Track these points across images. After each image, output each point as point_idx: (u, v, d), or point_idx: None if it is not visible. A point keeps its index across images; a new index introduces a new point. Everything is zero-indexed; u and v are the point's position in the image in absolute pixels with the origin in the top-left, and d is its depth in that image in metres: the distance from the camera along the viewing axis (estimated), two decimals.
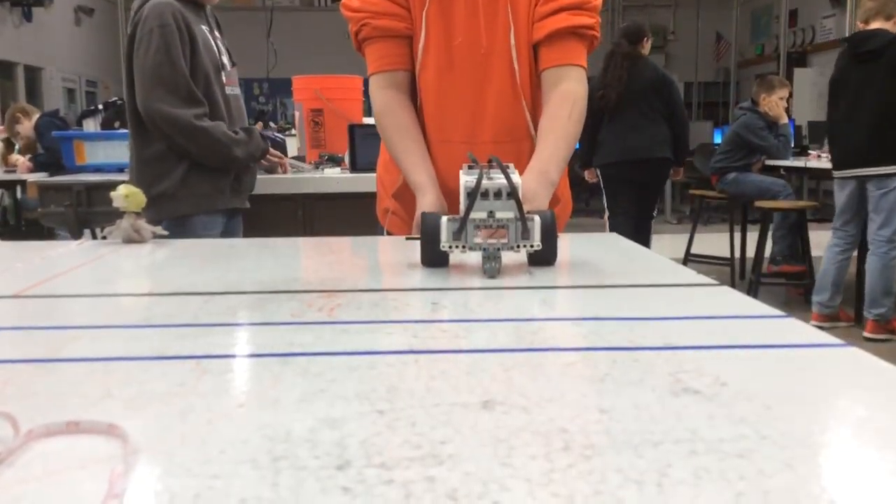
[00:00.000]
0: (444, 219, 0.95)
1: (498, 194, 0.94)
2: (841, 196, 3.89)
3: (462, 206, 0.95)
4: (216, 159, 2.08)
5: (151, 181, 2.09)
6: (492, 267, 0.93)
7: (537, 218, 0.96)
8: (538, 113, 1.40)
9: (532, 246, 0.95)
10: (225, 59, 2.17)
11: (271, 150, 2.34)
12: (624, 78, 4.29)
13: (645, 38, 4.50)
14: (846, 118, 3.73)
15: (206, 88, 2.07)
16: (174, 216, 2.11)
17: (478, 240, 0.94)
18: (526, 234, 0.94)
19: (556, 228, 0.99)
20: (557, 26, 1.35)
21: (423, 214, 0.99)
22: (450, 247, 0.95)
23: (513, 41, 1.37)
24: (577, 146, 1.47)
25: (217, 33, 2.20)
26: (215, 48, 2.12)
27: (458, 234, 0.94)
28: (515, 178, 0.95)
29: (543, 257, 0.99)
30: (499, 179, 0.95)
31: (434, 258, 0.99)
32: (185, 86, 2.01)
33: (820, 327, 3.71)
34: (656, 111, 4.34)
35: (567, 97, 1.35)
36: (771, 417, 0.48)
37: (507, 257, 0.99)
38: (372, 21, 1.38)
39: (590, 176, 4.65)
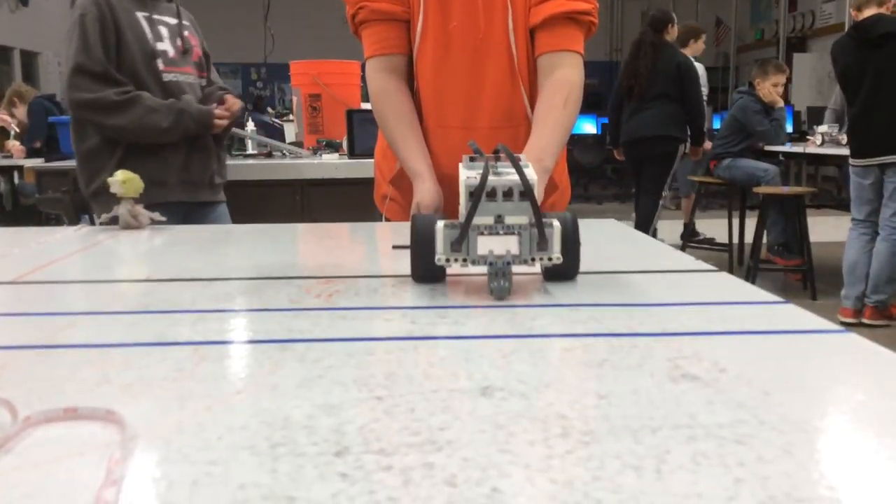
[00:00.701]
0: (441, 224, 0.77)
1: (508, 194, 0.77)
2: (863, 185, 3.79)
3: (462, 208, 0.78)
4: (146, 132, 2.02)
5: (88, 178, 2.09)
6: (500, 286, 0.76)
7: (557, 223, 0.79)
8: (535, 98, 1.39)
9: (551, 259, 0.78)
10: (166, 46, 2.11)
11: (217, 111, 2.14)
12: (649, 66, 4.62)
13: (670, 25, 4.81)
14: (867, 106, 3.69)
15: (134, 75, 2.03)
16: (108, 211, 2.08)
17: (483, 251, 0.77)
18: (543, 243, 0.77)
19: (579, 235, 0.82)
20: (554, 11, 1.34)
21: (415, 218, 0.81)
22: (447, 260, 0.77)
23: (511, 25, 1.36)
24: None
25: (168, 19, 2.15)
26: (149, 35, 2.07)
27: (457, 243, 0.77)
28: (530, 173, 0.78)
29: (563, 271, 0.82)
30: (508, 175, 0.78)
31: (427, 273, 0.82)
32: (102, 70, 1.99)
33: (853, 324, 3.72)
34: (667, 94, 4.60)
35: (563, 85, 1.35)
36: (769, 403, 0.48)
37: (519, 271, 0.82)
38: (370, 4, 1.37)
39: (618, 154, 4.97)
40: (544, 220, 0.78)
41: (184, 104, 2.07)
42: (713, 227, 5.69)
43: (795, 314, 0.70)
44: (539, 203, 0.78)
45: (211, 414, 0.47)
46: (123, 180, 1.24)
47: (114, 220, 1.27)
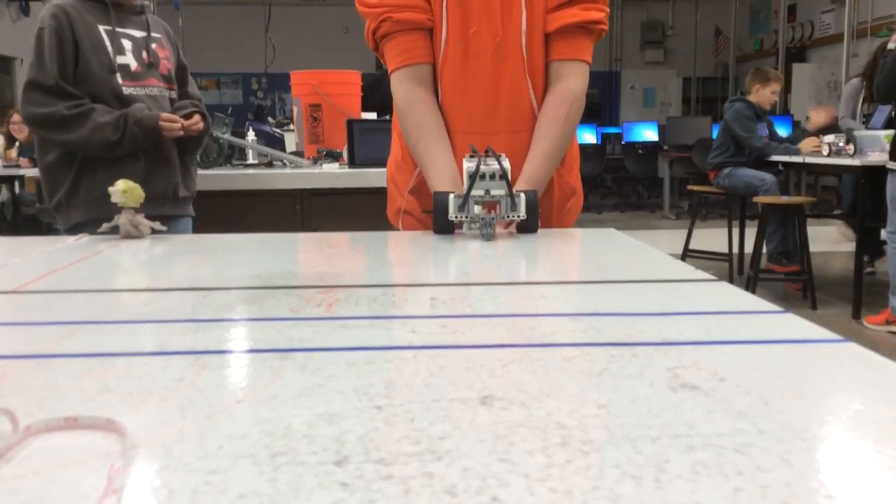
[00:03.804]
0: (452, 196, 1.21)
1: (493, 176, 1.19)
2: None
3: (465, 185, 1.18)
4: (97, 147, 2.01)
5: (50, 190, 2.08)
6: (488, 232, 1.18)
7: (523, 195, 1.21)
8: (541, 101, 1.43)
9: (518, 216, 1.21)
10: (128, 59, 2.10)
11: (164, 115, 2.09)
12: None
13: None
14: None
15: (92, 90, 2.03)
16: (70, 224, 2.06)
17: (477, 211, 1.19)
18: (514, 207, 1.20)
19: (538, 203, 1.25)
20: (568, 21, 1.37)
21: (435, 193, 1.23)
22: (456, 217, 1.20)
23: (524, 28, 1.37)
24: None
25: (134, 32, 2.14)
26: (109, 49, 2.06)
27: (462, 207, 1.19)
28: (506, 164, 1.20)
29: (528, 226, 1.25)
30: (494, 165, 1.19)
31: (444, 227, 1.24)
32: (54, 84, 1.98)
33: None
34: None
35: (566, 97, 1.38)
36: (769, 412, 0.48)
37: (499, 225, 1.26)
38: (393, 15, 1.37)
39: None
40: (514, 192, 1.20)
41: (129, 109, 2.05)
42: (712, 237, 5.69)
43: (795, 324, 0.70)
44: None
45: (211, 423, 0.47)
46: (124, 190, 1.24)
47: (114, 230, 1.27)
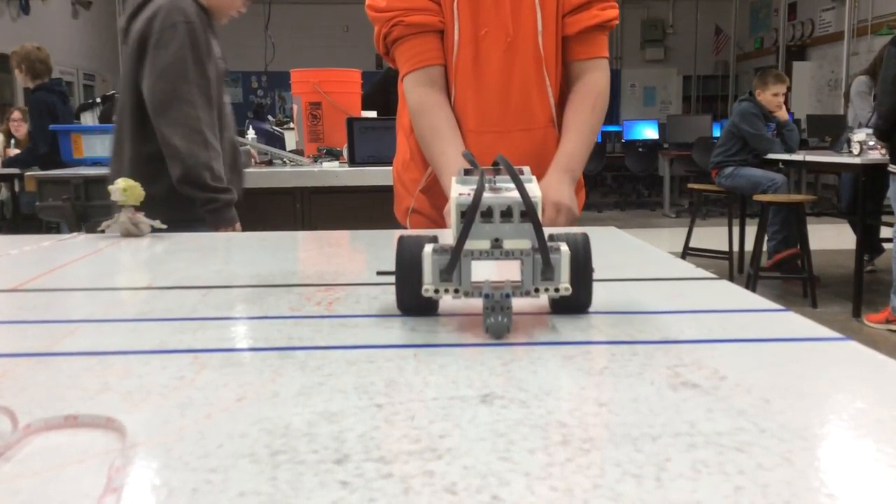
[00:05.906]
0: (429, 249, 0.64)
1: (507, 213, 0.64)
2: None
3: (453, 231, 0.64)
4: (190, 180, 1.95)
5: (145, 181, 2.05)
6: (498, 322, 0.62)
7: (565, 248, 0.65)
8: (563, 101, 1.44)
9: (557, 290, 0.65)
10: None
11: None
12: None
13: None
14: None
15: (216, 97, 2.02)
16: (165, 221, 2.04)
17: (478, 279, 0.65)
18: (548, 271, 0.64)
19: (591, 260, 0.69)
20: (590, 23, 1.40)
21: (401, 238, 0.68)
22: (436, 290, 0.65)
23: (540, 28, 1.38)
24: None
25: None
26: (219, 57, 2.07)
27: (448, 271, 0.64)
28: (532, 188, 0.64)
29: (576, 302, 0.70)
30: (508, 192, 0.64)
31: (414, 304, 0.69)
32: (206, 87, 1.94)
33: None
34: None
35: (592, 89, 1.40)
36: (770, 411, 0.48)
37: (521, 303, 0.74)
38: (405, 18, 1.37)
39: None
40: (551, 244, 0.65)
41: (226, 198, 2.03)
42: (713, 235, 5.70)
43: (796, 322, 0.70)
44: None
45: (211, 422, 0.47)
46: (124, 188, 1.24)
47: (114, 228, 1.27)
